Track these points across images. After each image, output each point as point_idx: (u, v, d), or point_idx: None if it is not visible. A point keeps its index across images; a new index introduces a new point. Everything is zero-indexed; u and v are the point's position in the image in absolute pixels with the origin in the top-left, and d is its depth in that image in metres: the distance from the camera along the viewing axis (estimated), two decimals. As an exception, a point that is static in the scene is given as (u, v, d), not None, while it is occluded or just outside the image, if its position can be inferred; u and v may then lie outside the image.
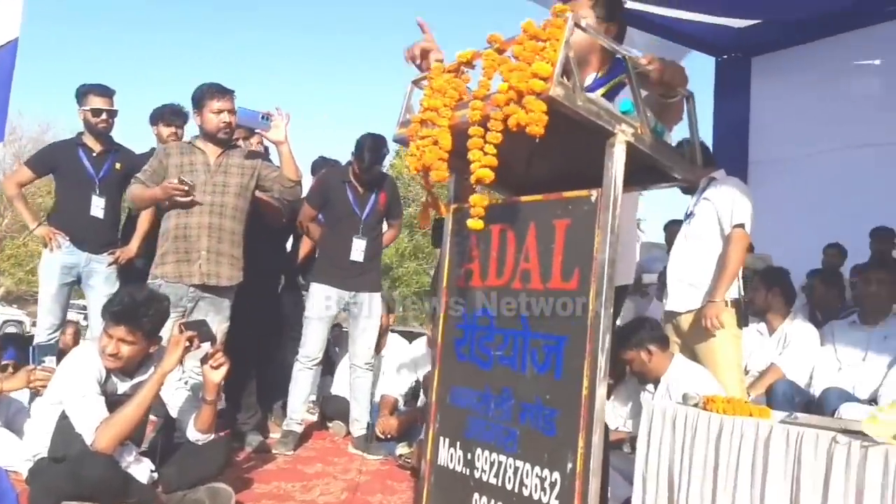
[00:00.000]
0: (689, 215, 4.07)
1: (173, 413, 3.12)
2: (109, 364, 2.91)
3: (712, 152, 7.19)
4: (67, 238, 4.39)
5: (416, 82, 2.44)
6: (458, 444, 2.33)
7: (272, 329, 4.79)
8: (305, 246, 5.05)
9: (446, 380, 2.43)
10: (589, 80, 2.58)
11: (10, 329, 14.34)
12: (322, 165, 5.62)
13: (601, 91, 2.50)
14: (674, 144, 2.25)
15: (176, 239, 3.78)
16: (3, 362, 4.18)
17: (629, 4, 6.24)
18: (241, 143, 4.39)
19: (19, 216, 4.86)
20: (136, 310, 2.91)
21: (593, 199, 2.04)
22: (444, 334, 2.47)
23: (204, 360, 3.00)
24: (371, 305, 4.45)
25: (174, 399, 3.11)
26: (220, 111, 3.84)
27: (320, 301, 4.39)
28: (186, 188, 3.72)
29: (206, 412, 3.02)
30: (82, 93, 4.49)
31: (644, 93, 2.11)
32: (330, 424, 5.08)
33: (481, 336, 2.32)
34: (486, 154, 2.03)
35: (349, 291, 4.42)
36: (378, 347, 5.01)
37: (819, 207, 6.65)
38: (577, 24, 1.95)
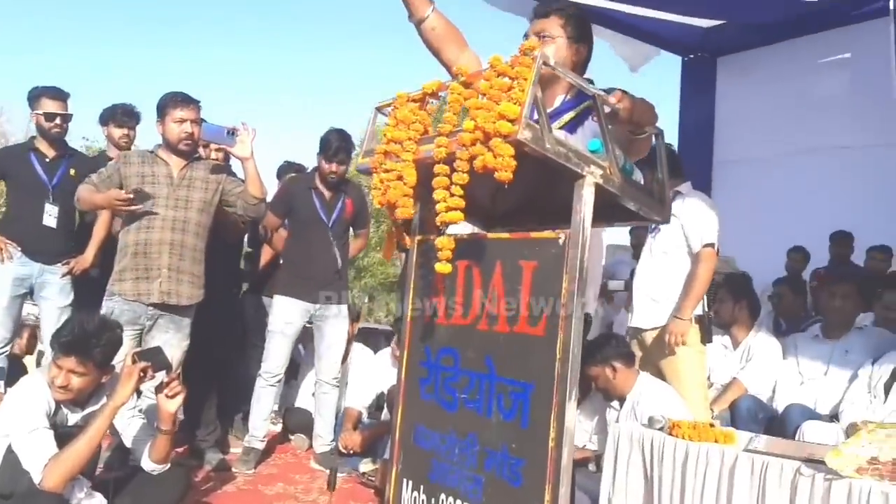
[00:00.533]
0: (653, 229, 4.03)
1: (127, 443, 3.01)
2: (59, 396, 2.79)
3: (678, 152, 7.32)
4: (19, 248, 4.21)
5: (379, 108, 2.36)
6: (422, 487, 2.27)
7: (232, 341, 4.68)
8: (266, 254, 4.93)
9: (409, 419, 2.36)
10: (557, 101, 2.54)
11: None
12: (287, 170, 5.50)
13: (570, 115, 2.45)
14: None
15: (135, 255, 3.62)
16: None
17: (598, 2, 6.20)
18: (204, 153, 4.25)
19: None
20: (87, 340, 2.79)
21: (561, 241, 1.98)
22: (408, 372, 2.40)
23: (159, 389, 2.89)
24: (338, 318, 4.34)
25: (128, 429, 2.99)
26: (182, 121, 3.68)
27: (284, 314, 4.27)
28: (132, 197, 3.55)
29: (162, 442, 2.91)
30: (34, 96, 4.31)
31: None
32: (292, 437, 4.99)
33: (446, 377, 2.26)
34: (452, 195, 1.97)
35: (315, 304, 4.31)
36: (342, 358, 4.93)
37: (782, 209, 6.68)
38: (545, 64, 1.88)
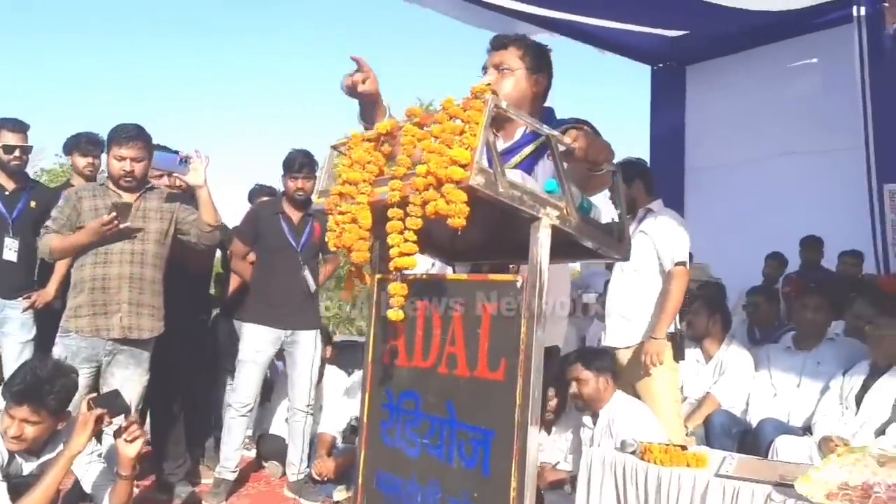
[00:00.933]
0: None
1: (87, 488, 2.92)
2: (12, 447, 2.71)
3: (650, 160, 7.32)
4: None
5: (335, 147, 2.31)
6: (386, 534, 2.22)
7: (200, 368, 4.59)
8: (235, 279, 4.84)
9: (372, 463, 2.31)
10: (518, 134, 2.50)
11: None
12: (259, 193, 5.41)
13: (529, 148, 2.41)
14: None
15: (93, 291, 3.51)
16: None
17: (563, 15, 6.20)
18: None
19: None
20: (40, 387, 2.71)
21: (518, 285, 1.93)
22: (370, 415, 2.35)
23: (117, 434, 2.80)
24: (310, 345, 4.27)
25: (87, 474, 2.91)
26: (122, 158, 3.57)
27: (254, 343, 4.19)
28: (117, 219, 3.45)
29: (122, 488, 2.83)
30: None
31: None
32: (265, 464, 4.91)
33: (407, 420, 2.21)
34: (406, 241, 1.92)
35: (285, 330, 4.23)
36: (318, 380, 4.86)
37: (754, 214, 6.72)
38: (497, 107, 1.84)
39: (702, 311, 4.43)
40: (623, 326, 3.94)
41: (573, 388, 3.74)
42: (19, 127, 4.20)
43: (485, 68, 2.48)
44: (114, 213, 3.45)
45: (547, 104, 2.56)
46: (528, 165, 2.35)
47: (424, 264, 2.37)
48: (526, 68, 2.43)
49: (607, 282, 4.38)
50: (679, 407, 3.96)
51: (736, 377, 4.21)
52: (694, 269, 5.68)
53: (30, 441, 2.72)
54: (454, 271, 2.49)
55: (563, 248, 2.05)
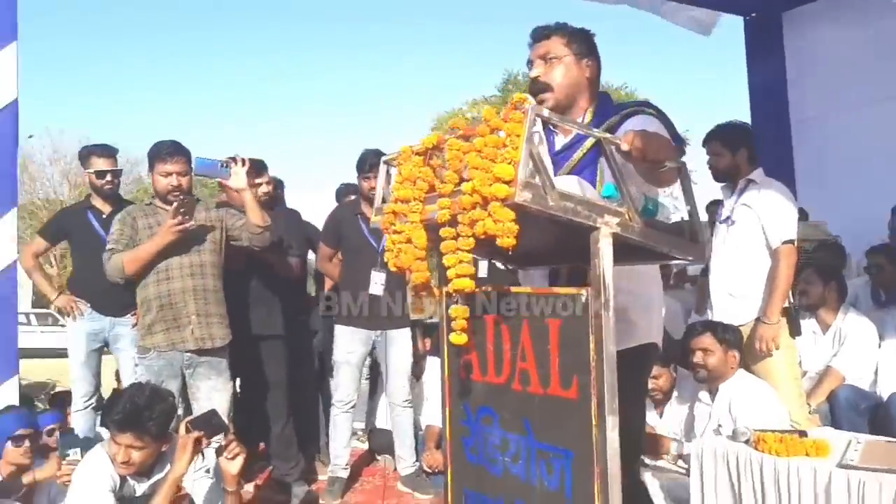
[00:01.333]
0: (727, 219, 3.81)
1: (198, 502, 3.04)
2: (122, 471, 2.84)
3: (750, 118, 6.91)
4: (88, 304, 4.35)
5: (387, 162, 2.27)
6: (476, 552, 2.19)
7: (305, 369, 4.71)
8: (329, 284, 4.92)
9: (459, 481, 2.30)
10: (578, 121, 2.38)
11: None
12: (345, 192, 5.45)
13: (590, 141, 2.28)
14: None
15: (161, 308, 3.64)
16: (48, 427, 4.22)
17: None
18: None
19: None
20: (140, 414, 2.82)
21: (584, 298, 1.84)
22: (452, 431, 2.32)
23: (219, 452, 2.90)
24: (401, 342, 4.30)
25: (197, 488, 3.02)
26: (168, 174, 3.68)
27: (345, 345, 4.28)
28: (183, 210, 3.52)
29: (230, 501, 2.93)
30: (84, 155, 4.43)
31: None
32: (378, 458, 5.00)
33: (488, 437, 2.16)
34: (461, 262, 1.86)
35: (375, 330, 4.28)
36: (418, 374, 4.89)
37: (872, 163, 6.19)
38: (538, 116, 1.75)
39: (815, 279, 4.15)
40: (732, 304, 3.76)
41: (698, 357, 3.57)
42: (108, 152, 4.37)
43: (530, 62, 2.38)
44: (182, 212, 3.52)
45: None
46: (592, 158, 2.22)
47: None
48: (574, 54, 2.34)
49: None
50: (800, 385, 3.74)
51: (858, 347, 3.94)
52: (809, 228, 5.36)
53: (137, 465, 2.84)
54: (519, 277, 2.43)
55: (632, 251, 1.94)
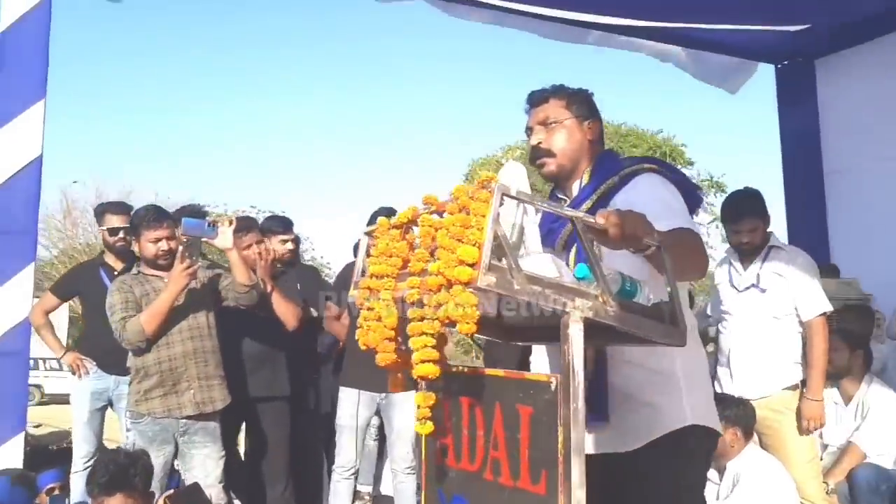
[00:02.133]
0: (752, 286, 3.67)
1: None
2: None
3: (782, 167, 6.72)
4: (94, 363, 4.33)
5: (368, 234, 2.19)
6: None
7: (308, 434, 4.60)
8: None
9: (432, 572, 2.15)
10: (575, 189, 2.27)
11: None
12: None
13: (587, 205, 2.18)
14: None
15: (161, 373, 3.60)
16: (49, 486, 4.18)
17: (671, 24, 5.84)
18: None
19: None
20: (126, 472, 2.79)
21: (553, 387, 1.71)
22: (427, 518, 2.19)
23: None
24: (404, 406, 4.17)
25: None
26: (157, 240, 3.70)
27: (349, 407, 4.17)
28: (191, 257, 3.52)
29: None
30: (99, 212, 4.49)
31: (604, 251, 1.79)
32: (383, 527, 4.86)
33: (460, 528, 2.03)
34: (426, 346, 1.75)
35: (380, 392, 4.17)
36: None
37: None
38: (505, 195, 1.65)
39: (842, 345, 3.95)
40: (758, 375, 3.63)
41: None
42: (122, 209, 4.41)
43: (528, 130, 2.28)
44: (188, 256, 3.51)
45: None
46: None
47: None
48: (574, 116, 2.22)
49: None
50: (818, 464, 3.56)
51: (880, 421, 3.73)
52: (842, 286, 5.16)
53: None
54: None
55: (611, 333, 1.81)
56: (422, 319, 1.76)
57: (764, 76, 6.93)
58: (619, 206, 1.95)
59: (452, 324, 1.65)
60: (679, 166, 19.56)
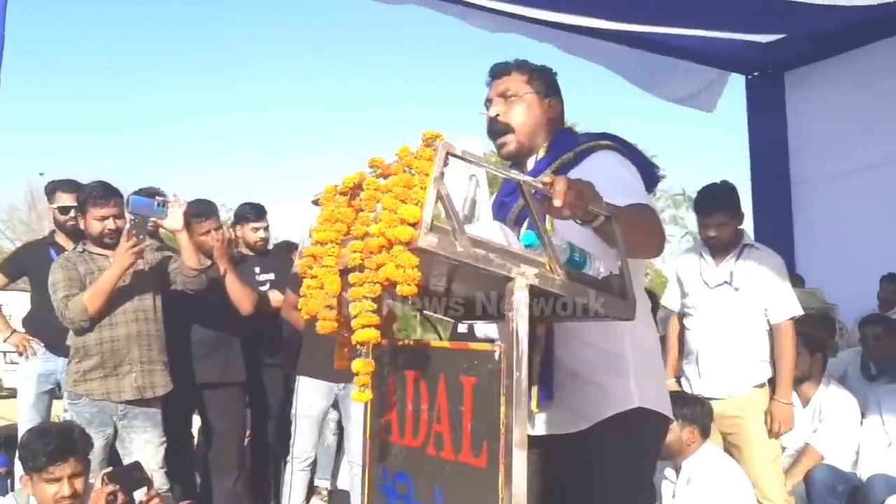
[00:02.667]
0: (724, 283, 3.63)
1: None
2: None
3: (750, 177, 6.76)
4: (42, 344, 4.20)
5: (315, 202, 2.12)
6: None
7: (264, 423, 4.51)
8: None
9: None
10: (530, 164, 2.22)
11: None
12: None
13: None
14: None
15: (102, 354, 3.49)
16: None
17: (643, 28, 5.84)
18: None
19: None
20: (69, 437, 2.72)
21: (496, 356, 1.66)
22: (369, 496, 2.11)
23: None
24: None
25: None
26: (103, 218, 3.59)
27: (306, 397, 4.08)
28: (136, 231, 3.40)
29: None
30: (50, 190, 4.35)
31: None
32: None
33: (401, 506, 1.96)
34: (366, 310, 1.69)
35: (338, 383, 4.08)
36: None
37: (870, 229, 6.02)
38: (450, 153, 1.59)
39: (803, 349, 3.94)
40: (721, 375, 3.60)
41: None
42: (73, 187, 4.26)
43: (488, 101, 2.23)
44: (135, 234, 3.40)
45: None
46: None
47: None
48: (535, 92, 2.17)
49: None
50: (779, 464, 3.55)
51: (837, 424, 3.72)
52: (806, 295, 5.16)
53: (82, 496, 2.68)
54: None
55: (559, 308, 1.76)
56: (363, 284, 1.70)
57: (733, 88, 6.99)
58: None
59: (393, 285, 1.59)
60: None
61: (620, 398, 2.02)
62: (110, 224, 3.59)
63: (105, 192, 3.63)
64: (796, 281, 6.02)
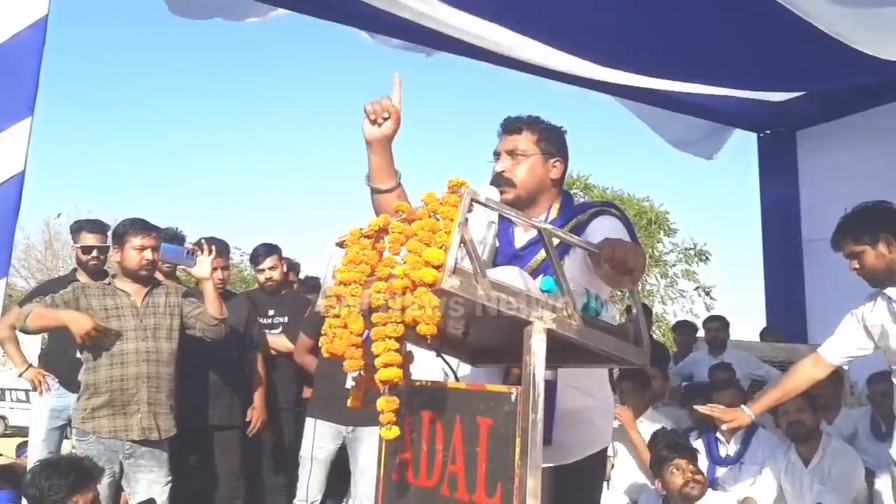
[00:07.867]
0: None
1: None
2: None
3: (761, 234, 6.78)
4: (56, 380, 4.24)
5: (339, 244, 2.18)
6: None
7: (282, 466, 4.53)
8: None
9: None
10: (543, 219, 2.31)
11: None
12: None
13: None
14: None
15: (111, 392, 3.51)
16: None
17: (654, 84, 5.94)
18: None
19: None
20: (83, 468, 2.76)
21: (513, 398, 1.70)
22: (381, 536, 2.14)
23: None
24: (372, 442, 4.09)
25: None
26: (142, 248, 3.65)
27: (314, 439, 4.07)
28: (103, 336, 3.48)
29: None
30: (75, 229, 4.44)
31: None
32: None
33: (415, 547, 1.98)
34: (389, 350, 1.74)
35: (347, 426, 4.09)
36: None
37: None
38: (474, 201, 1.66)
39: (807, 406, 3.94)
40: None
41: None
42: (97, 227, 4.36)
43: (497, 154, 2.34)
44: (108, 329, 3.49)
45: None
46: (559, 254, 2.14)
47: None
48: (541, 153, 2.31)
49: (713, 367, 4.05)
50: None
51: (843, 485, 3.67)
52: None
53: None
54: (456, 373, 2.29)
55: (575, 352, 1.81)
56: (386, 325, 1.75)
57: (746, 144, 7.09)
58: (590, 236, 2.08)
59: (415, 326, 1.64)
60: (662, 234, 19.88)
61: (605, 437, 2.36)
62: (148, 255, 3.66)
63: (145, 225, 3.72)
64: (775, 333, 6.10)
